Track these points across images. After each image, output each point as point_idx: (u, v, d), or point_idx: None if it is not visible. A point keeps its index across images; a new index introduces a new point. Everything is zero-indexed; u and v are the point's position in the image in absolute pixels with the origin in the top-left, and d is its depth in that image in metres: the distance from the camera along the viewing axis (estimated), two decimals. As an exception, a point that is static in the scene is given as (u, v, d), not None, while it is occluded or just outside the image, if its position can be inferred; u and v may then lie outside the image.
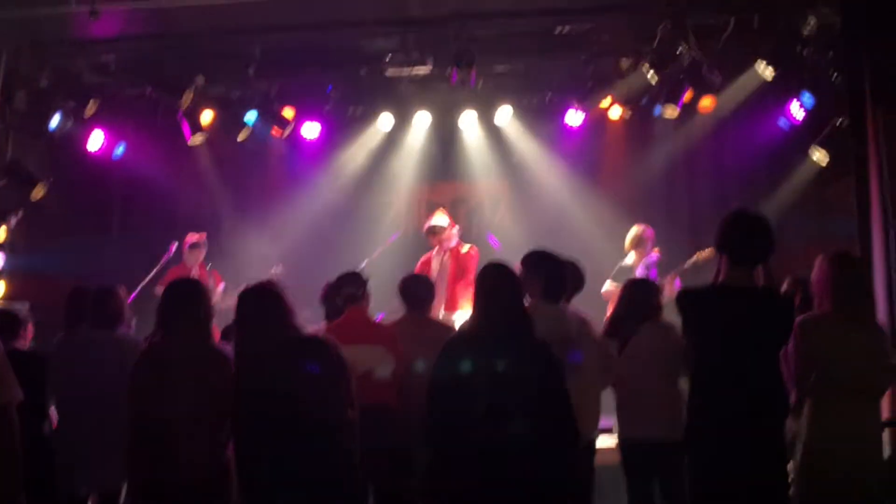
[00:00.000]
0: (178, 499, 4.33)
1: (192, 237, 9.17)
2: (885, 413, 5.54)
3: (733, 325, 4.13)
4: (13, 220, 9.06)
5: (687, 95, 9.20)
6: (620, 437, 5.61)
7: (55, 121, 9.09)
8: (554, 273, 5.05)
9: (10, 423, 3.99)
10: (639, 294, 5.74)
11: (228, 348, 4.54)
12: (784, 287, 5.46)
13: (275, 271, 8.74)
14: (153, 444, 4.36)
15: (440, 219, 8.91)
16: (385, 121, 10.38)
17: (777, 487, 4.12)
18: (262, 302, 4.39)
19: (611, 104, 9.66)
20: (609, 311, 8.71)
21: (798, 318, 4.54)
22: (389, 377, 5.32)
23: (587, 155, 10.51)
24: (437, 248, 8.82)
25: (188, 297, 4.64)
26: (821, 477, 4.44)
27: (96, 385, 5.21)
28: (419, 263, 8.87)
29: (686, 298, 4.36)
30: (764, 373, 4.14)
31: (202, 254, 9.19)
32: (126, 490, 4.83)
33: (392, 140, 10.72)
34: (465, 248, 8.81)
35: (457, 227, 8.94)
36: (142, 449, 4.43)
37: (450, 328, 6.05)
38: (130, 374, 4.57)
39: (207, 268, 9.22)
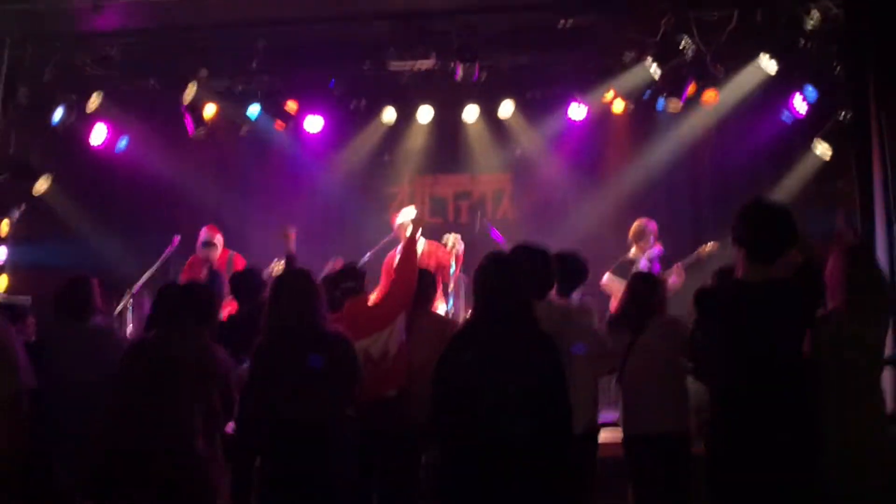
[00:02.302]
0: (159, 492, 4.34)
1: (203, 235, 9.12)
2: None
3: (752, 323, 4.04)
4: (16, 214, 9.08)
5: (690, 89, 9.19)
6: (625, 433, 5.61)
7: (58, 114, 9.09)
8: (535, 268, 4.79)
9: (19, 411, 4.03)
10: (644, 289, 5.73)
11: (221, 349, 4.57)
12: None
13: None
14: (136, 436, 4.36)
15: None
16: (388, 114, 10.38)
17: (807, 481, 4.04)
18: (297, 288, 4.49)
19: (614, 98, 9.65)
20: (613, 304, 8.80)
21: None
22: (392, 360, 5.39)
23: (590, 148, 10.50)
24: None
25: (188, 299, 4.65)
26: (835, 472, 4.41)
27: (70, 377, 5.12)
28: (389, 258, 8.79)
29: (704, 298, 4.29)
30: (789, 368, 4.08)
31: (218, 250, 9.15)
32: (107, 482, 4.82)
33: (395, 134, 10.72)
34: (459, 246, 8.76)
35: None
36: (124, 440, 4.42)
37: (452, 322, 6.07)
38: (118, 366, 4.59)
39: (229, 255, 9.19)
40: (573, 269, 5.59)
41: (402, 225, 8.59)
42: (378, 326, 5.47)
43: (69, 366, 5.18)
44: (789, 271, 4.16)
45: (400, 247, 7.80)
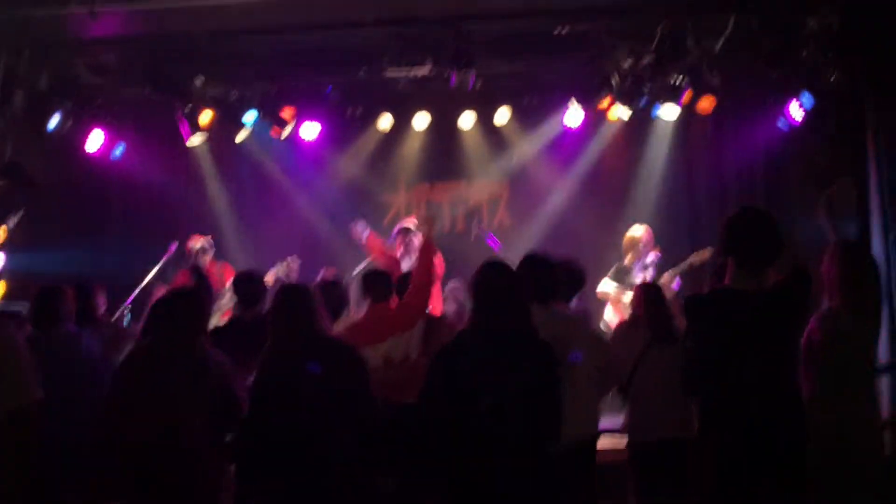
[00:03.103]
0: (162, 494, 4.32)
1: (196, 241, 9.13)
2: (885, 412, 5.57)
3: (741, 331, 4.04)
4: (12, 221, 9.06)
5: (686, 96, 9.21)
6: (632, 440, 5.65)
7: (54, 122, 9.07)
8: (541, 276, 5.03)
9: (31, 423, 4.06)
10: (658, 299, 5.77)
11: (217, 351, 4.57)
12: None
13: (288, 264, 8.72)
14: (136, 441, 4.36)
15: (410, 222, 8.96)
16: (384, 121, 10.38)
17: (795, 487, 4.07)
18: (295, 301, 4.52)
19: (610, 105, 9.66)
20: (609, 312, 8.81)
21: (815, 315, 4.52)
22: (413, 364, 5.43)
23: (586, 155, 10.52)
24: (401, 250, 8.78)
25: (181, 304, 4.65)
26: (829, 467, 4.41)
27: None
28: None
29: (693, 305, 4.30)
30: (777, 375, 4.08)
31: (209, 256, 9.17)
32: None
33: (391, 141, 10.72)
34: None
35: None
36: (128, 451, 4.42)
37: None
38: (114, 376, 4.61)
39: (218, 266, 9.19)
40: (572, 277, 5.61)
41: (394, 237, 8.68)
42: (398, 330, 5.55)
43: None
44: (777, 277, 4.17)
45: (416, 253, 7.85)
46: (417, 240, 8.47)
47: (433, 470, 4.15)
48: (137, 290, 8.75)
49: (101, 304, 6.22)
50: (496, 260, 4.40)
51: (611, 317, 8.79)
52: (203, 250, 9.12)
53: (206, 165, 10.77)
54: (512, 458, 3.87)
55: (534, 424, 3.90)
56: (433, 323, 5.78)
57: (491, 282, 4.11)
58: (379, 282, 5.89)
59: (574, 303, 5.72)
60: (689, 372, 4.82)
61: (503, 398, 3.87)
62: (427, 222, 6.54)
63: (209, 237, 9.28)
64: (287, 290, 4.68)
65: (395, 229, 9.01)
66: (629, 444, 5.65)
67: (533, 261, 5.08)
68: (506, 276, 4.16)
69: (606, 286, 8.81)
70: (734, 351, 4.06)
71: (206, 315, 4.84)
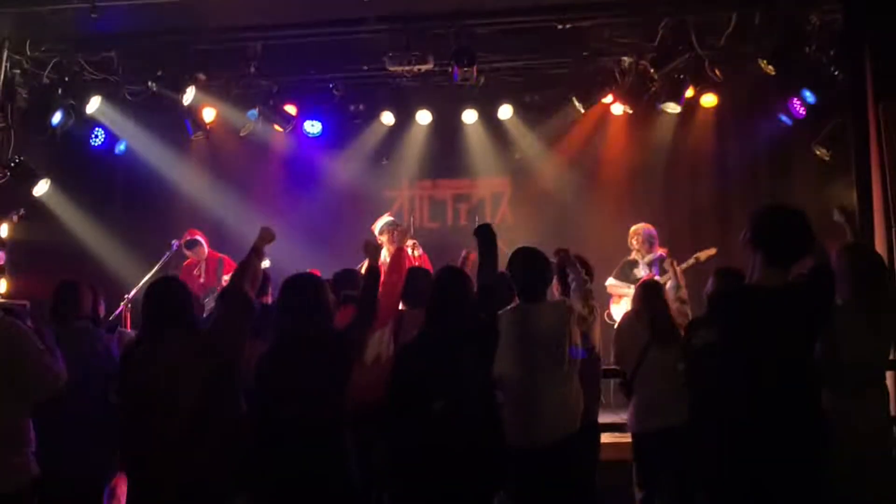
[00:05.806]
0: (176, 493, 4.33)
1: (183, 238, 9.06)
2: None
3: (769, 328, 3.95)
4: (15, 217, 9.07)
5: (688, 92, 9.20)
6: (635, 430, 5.69)
7: (57, 117, 9.08)
8: (538, 269, 5.20)
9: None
10: (659, 295, 5.82)
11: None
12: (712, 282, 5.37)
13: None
14: (147, 439, 4.35)
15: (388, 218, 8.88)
16: (387, 118, 10.38)
17: (807, 485, 4.03)
18: (304, 293, 4.52)
19: (612, 101, 9.66)
20: (612, 307, 8.83)
21: None
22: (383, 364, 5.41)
23: (589, 152, 10.51)
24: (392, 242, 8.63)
25: (172, 295, 4.65)
26: (839, 470, 4.38)
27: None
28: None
29: (720, 301, 4.25)
30: (801, 372, 4.05)
31: (203, 247, 9.12)
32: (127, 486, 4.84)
33: (394, 137, 10.72)
34: (418, 251, 8.65)
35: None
36: (137, 444, 4.42)
37: None
38: (120, 370, 4.62)
39: (219, 258, 9.16)
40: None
41: (380, 231, 8.59)
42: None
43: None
44: (801, 274, 4.13)
45: (388, 255, 7.80)
46: (399, 231, 8.41)
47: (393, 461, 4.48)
48: (139, 287, 8.74)
49: (99, 302, 6.22)
50: (449, 267, 4.87)
51: (617, 311, 8.80)
52: (191, 244, 9.02)
53: (209, 161, 10.77)
54: (455, 449, 4.16)
55: (475, 420, 4.24)
56: (401, 318, 5.77)
57: (443, 288, 4.51)
58: (348, 284, 5.87)
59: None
60: (693, 366, 4.81)
61: (453, 400, 4.17)
62: (400, 233, 6.68)
63: (194, 233, 9.17)
64: (296, 280, 4.65)
65: (379, 226, 8.82)
66: (633, 435, 5.67)
67: (514, 258, 5.30)
68: (456, 282, 4.55)
69: (613, 281, 8.83)
70: (763, 346, 4.00)
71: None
